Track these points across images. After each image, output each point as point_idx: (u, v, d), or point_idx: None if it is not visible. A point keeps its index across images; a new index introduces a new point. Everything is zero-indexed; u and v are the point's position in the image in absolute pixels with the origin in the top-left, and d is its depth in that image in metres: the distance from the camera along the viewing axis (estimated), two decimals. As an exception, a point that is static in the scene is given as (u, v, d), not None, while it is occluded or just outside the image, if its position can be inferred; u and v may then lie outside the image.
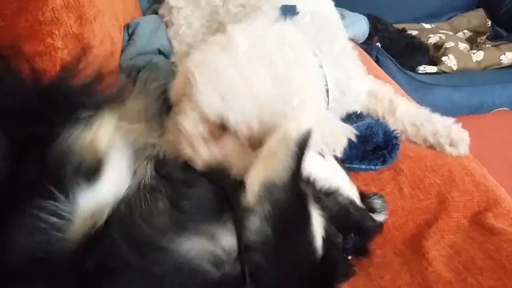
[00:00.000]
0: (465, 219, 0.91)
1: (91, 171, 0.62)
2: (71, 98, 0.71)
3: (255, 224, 0.61)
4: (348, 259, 0.73)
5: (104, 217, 0.60)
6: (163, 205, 0.62)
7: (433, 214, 0.93)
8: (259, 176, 0.65)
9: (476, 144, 1.07)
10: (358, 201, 0.77)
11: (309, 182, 0.72)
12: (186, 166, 0.75)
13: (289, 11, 0.95)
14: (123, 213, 0.61)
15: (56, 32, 0.92)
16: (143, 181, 0.65)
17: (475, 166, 0.98)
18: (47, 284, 0.57)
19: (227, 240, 0.61)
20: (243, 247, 0.60)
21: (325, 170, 0.76)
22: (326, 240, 0.66)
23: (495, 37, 1.89)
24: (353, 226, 0.72)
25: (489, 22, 1.97)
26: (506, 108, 1.96)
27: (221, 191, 0.67)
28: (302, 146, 0.66)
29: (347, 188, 0.76)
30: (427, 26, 1.91)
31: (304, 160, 0.66)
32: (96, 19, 1.03)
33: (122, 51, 1.20)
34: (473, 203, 0.93)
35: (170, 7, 1.29)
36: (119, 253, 0.58)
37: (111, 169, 0.64)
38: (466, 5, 2.03)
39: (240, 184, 0.65)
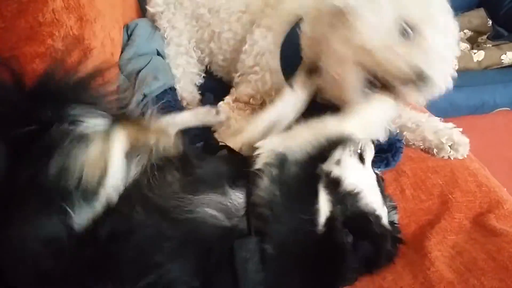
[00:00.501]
0: (467, 220, 0.91)
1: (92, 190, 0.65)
2: (59, 94, 0.72)
3: (264, 183, 0.67)
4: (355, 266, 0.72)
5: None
6: (172, 177, 0.69)
7: (435, 215, 0.93)
8: (274, 145, 0.72)
9: (477, 144, 1.07)
10: (384, 219, 0.77)
11: (334, 179, 0.73)
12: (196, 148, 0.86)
13: None
14: (130, 191, 0.67)
15: (57, 34, 0.92)
16: (148, 163, 0.71)
17: (477, 167, 0.98)
18: (57, 262, 0.60)
19: (237, 197, 0.67)
20: (252, 202, 0.66)
21: (358, 178, 0.77)
22: (330, 221, 0.68)
23: (496, 37, 1.89)
24: (368, 236, 0.72)
25: (490, 22, 1.97)
26: (507, 108, 1.95)
27: (236, 163, 0.74)
28: (332, 144, 0.72)
29: (376, 203, 0.76)
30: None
31: (330, 154, 0.72)
32: (96, 20, 1.03)
33: (122, 51, 1.20)
34: (475, 204, 0.93)
35: (153, 14, 1.31)
36: (131, 217, 0.63)
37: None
38: (466, 5, 2.02)
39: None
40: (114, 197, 0.66)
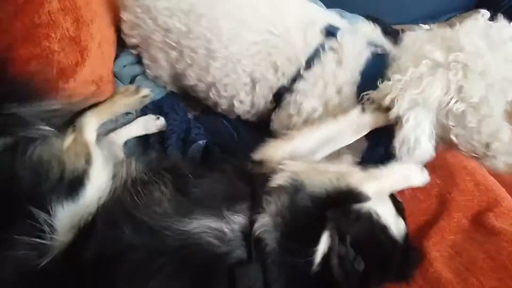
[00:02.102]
0: (466, 219, 0.90)
1: (73, 185, 0.64)
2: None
3: (271, 209, 0.65)
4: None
5: (89, 218, 0.62)
6: (161, 194, 0.65)
7: (433, 215, 0.92)
8: (298, 169, 0.69)
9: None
10: (400, 238, 0.75)
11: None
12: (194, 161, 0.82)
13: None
14: (111, 210, 0.63)
15: (53, 35, 0.92)
16: (130, 179, 0.68)
17: (474, 165, 0.97)
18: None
19: (237, 222, 0.64)
20: (255, 228, 0.63)
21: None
22: (326, 258, 0.66)
23: (494, 37, 1.89)
24: (378, 255, 0.71)
25: (488, 23, 1.98)
26: (506, 108, 1.94)
27: (239, 182, 0.71)
28: (351, 197, 0.69)
29: (389, 219, 0.75)
30: (425, 27, 1.90)
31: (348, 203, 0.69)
32: (93, 22, 1.03)
33: (117, 57, 1.19)
34: (473, 203, 0.93)
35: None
36: (119, 239, 0.60)
37: (94, 178, 0.66)
38: (464, 6, 2.02)
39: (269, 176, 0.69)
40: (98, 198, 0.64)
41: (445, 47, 0.78)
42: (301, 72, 0.92)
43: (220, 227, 0.63)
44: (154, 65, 1.12)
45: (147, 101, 1.03)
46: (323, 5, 1.48)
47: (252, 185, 0.69)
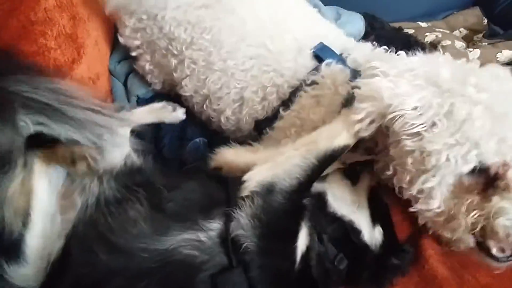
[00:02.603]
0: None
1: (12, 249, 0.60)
2: None
3: (246, 213, 0.64)
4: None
5: (55, 250, 0.60)
6: (136, 212, 0.63)
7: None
8: (262, 176, 0.67)
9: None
10: (373, 245, 0.75)
11: (319, 199, 0.73)
12: (168, 171, 0.76)
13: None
14: (84, 233, 0.61)
15: (49, 32, 0.92)
16: (103, 197, 0.65)
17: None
18: None
19: (214, 228, 0.63)
20: (232, 232, 0.62)
21: (345, 199, 0.77)
22: (305, 257, 0.67)
23: (491, 35, 1.89)
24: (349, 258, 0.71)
25: (485, 20, 1.97)
26: (503, 106, 1.94)
27: (212, 189, 0.69)
28: (324, 161, 0.68)
29: (364, 225, 0.76)
30: (423, 24, 1.90)
31: (318, 175, 0.68)
32: (89, 19, 1.03)
33: (110, 54, 1.19)
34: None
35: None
36: (95, 265, 0.58)
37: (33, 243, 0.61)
38: (462, 4, 2.02)
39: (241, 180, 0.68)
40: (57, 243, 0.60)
41: None
42: (281, 112, 0.91)
43: (197, 236, 0.62)
44: (151, 69, 1.11)
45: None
46: (321, 4, 1.48)
47: (226, 189, 0.69)
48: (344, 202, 0.77)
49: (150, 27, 1.03)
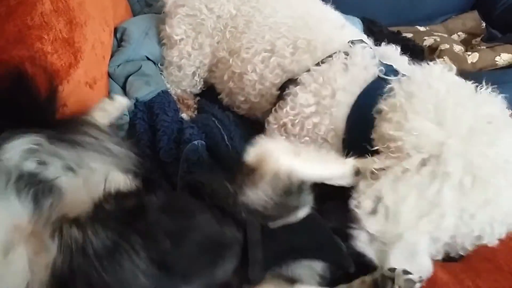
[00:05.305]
0: (461, 221, 0.90)
1: None
2: None
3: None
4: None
5: None
6: (131, 264, 0.53)
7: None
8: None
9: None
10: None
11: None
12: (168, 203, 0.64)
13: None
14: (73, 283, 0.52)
15: (46, 37, 0.91)
16: (90, 246, 0.53)
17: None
18: None
19: (223, 271, 0.59)
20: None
21: None
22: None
23: (489, 39, 1.89)
24: None
25: (484, 24, 1.97)
26: (502, 110, 1.94)
27: (227, 229, 0.62)
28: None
29: None
30: (422, 28, 1.90)
31: None
32: (86, 23, 1.03)
33: (111, 56, 1.19)
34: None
35: (169, 36, 1.20)
36: None
37: None
38: (460, 8, 2.03)
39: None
40: None
41: None
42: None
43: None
44: (197, 52, 1.18)
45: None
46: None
47: (244, 232, 0.61)
48: None
49: (201, 10, 1.12)
